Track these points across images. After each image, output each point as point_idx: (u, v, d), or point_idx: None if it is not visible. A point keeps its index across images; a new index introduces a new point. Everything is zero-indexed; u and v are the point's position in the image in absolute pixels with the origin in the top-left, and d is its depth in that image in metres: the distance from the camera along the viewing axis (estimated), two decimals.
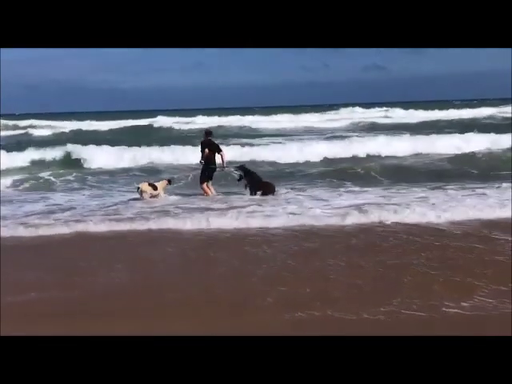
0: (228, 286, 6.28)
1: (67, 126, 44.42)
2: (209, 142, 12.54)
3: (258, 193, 12.02)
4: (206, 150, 12.34)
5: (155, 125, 39.24)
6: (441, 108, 49.14)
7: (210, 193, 12.33)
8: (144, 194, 12.17)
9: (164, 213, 10.14)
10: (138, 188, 12.35)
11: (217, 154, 12.45)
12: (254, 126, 36.73)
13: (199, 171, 12.82)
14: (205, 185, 12.39)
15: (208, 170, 12.37)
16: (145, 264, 7.26)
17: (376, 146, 19.73)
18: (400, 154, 18.94)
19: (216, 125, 35.11)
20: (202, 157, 12.42)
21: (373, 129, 32.21)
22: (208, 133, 12.84)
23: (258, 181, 12.25)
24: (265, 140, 25.79)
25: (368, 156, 19.01)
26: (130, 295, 6.04)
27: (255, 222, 9.09)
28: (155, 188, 12.44)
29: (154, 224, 9.28)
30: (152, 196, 12.26)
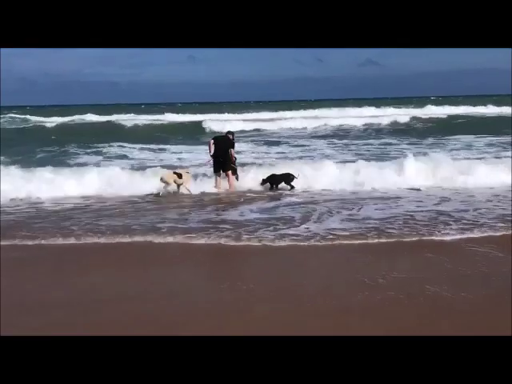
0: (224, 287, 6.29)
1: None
2: (220, 138, 13.20)
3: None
4: (211, 141, 13.00)
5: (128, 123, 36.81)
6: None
7: (219, 187, 12.78)
8: (166, 185, 12.12)
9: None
10: (162, 178, 12.27)
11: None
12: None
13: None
14: (216, 177, 12.90)
15: (216, 162, 12.87)
16: (144, 268, 7.26)
17: None
18: None
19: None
20: (209, 151, 13.02)
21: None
22: (228, 132, 13.57)
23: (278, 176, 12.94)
24: None
25: None
26: (130, 295, 6.03)
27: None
28: (180, 176, 12.41)
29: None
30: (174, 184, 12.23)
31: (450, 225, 8.61)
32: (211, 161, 13.01)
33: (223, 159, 12.83)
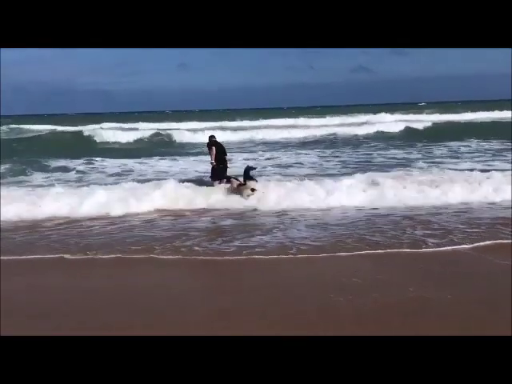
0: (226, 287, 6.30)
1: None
2: (216, 143, 12.44)
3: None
4: (214, 149, 12.23)
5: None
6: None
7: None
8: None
9: None
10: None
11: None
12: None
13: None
14: (218, 183, 12.13)
15: (220, 169, 12.19)
16: (144, 266, 7.26)
17: None
18: None
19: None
20: (212, 157, 12.26)
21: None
22: (212, 136, 12.76)
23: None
24: None
25: None
26: (130, 295, 6.04)
27: None
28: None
29: None
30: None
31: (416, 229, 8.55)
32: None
33: (223, 165, 12.24)
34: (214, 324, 5.07)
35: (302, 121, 46.15)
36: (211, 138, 12.66)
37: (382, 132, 32.17)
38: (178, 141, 30.90)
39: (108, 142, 30.71)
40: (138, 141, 31.41)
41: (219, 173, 12.18)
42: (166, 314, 5.43)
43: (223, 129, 35.22)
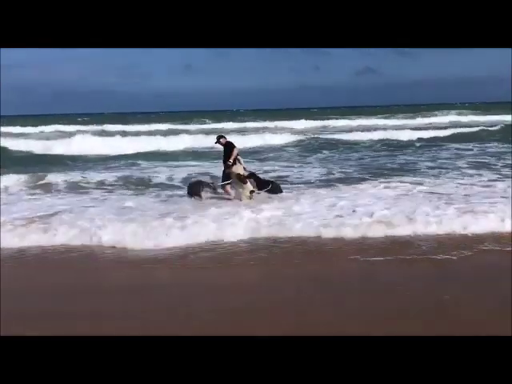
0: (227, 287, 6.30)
1: None
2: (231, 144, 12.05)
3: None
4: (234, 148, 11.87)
5: None
6: None
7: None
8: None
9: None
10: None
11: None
12: None
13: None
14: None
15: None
16: (144, 264, 7.27)
17: None
18: None
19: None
20: (231, 157, 11.70)
21: None
22: (223, 136, 12.29)
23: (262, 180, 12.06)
24: None
25: None
26: (130, 295, 6.04)
27: None
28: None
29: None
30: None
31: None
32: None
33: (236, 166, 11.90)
34: (215, 324, 5.08)
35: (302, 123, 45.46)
36: (223, 137, 12.16)
37: (385, 137, 29.92)
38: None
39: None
40: None
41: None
42: (169, 314, 5.44)
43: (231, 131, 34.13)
